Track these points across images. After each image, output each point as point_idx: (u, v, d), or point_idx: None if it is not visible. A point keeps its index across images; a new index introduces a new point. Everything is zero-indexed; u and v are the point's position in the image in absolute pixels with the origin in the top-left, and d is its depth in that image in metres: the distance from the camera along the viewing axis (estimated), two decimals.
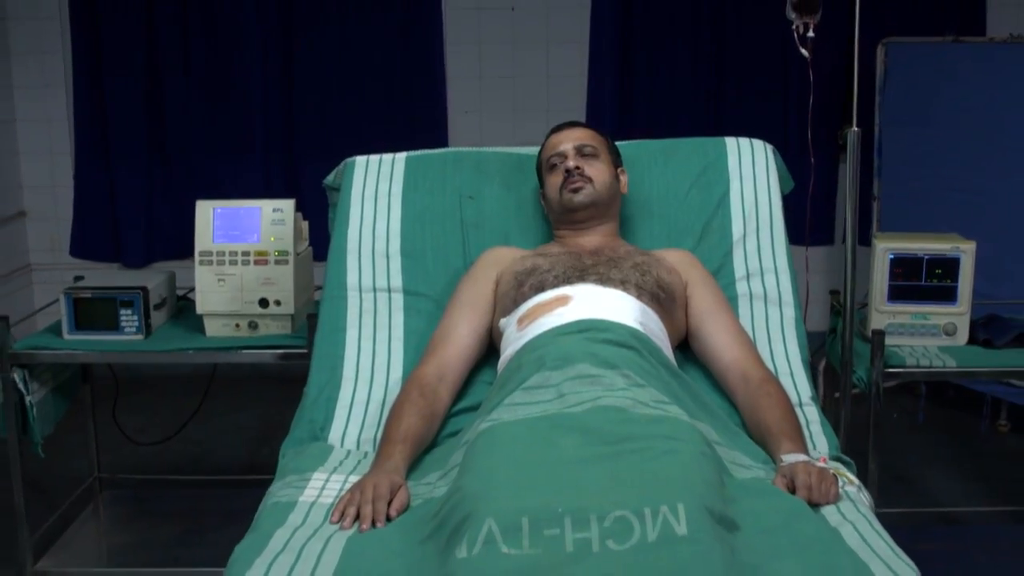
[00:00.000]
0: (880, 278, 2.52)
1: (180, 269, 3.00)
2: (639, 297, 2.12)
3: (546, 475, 1.54)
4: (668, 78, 4.68)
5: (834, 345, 2.59)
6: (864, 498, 1.80)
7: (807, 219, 2.39)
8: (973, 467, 3.73)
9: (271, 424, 4.11)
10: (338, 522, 1.67)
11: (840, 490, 1.76)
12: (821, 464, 1.80)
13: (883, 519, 1.69)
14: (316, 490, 1.83)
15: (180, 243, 4.63)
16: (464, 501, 1.52)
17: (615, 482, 1.51)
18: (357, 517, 1.67)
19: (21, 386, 2.63)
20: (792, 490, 1.71)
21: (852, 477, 1.85)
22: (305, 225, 2.77)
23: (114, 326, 2.66)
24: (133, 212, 4.77)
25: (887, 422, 4.18)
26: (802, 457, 1.81)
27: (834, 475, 1.78)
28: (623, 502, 1.45)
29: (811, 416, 2.13)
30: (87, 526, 3.02)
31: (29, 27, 4.68)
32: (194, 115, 4.67)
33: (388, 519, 1.67)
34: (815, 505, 1.69)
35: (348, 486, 1.81)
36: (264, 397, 4.35)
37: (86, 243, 4.80)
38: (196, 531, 2.99)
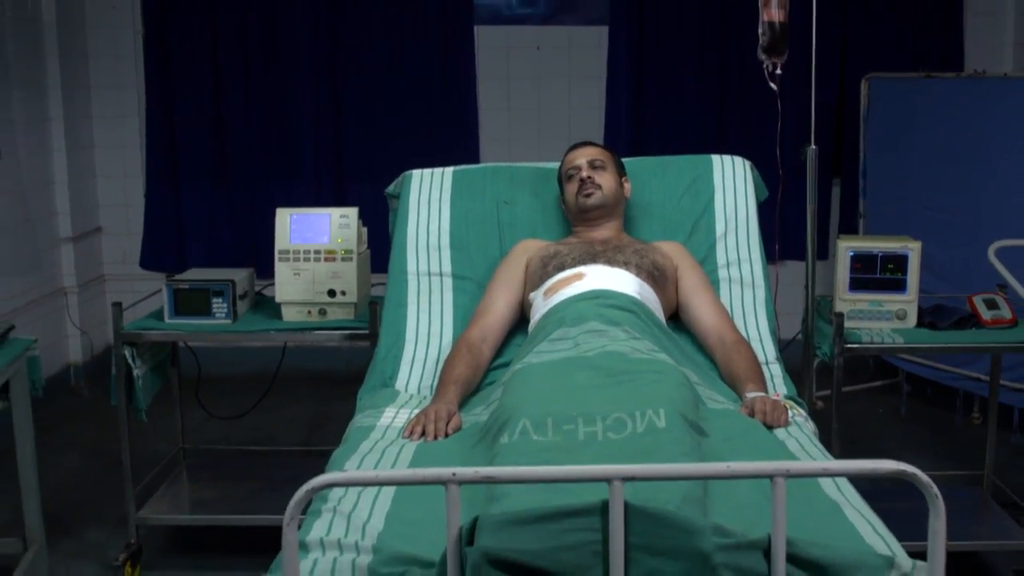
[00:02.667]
0: (842, 272, 2.94)
1: None
2: (638, 275, 2.64)
3: (565, 395, 2.06)
4: (677, 110, 5.10)
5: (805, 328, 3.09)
6: (810, 426, 2.31)
7: (776, 228, 2.87)
8: (944, 450, 4.12)
9: (322, 416, 4.58)
10: (408, 436, 2.20)
11: (791, 419, 2.27)
12: (775, 398, 2.32)
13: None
14: (389, 418, 2.37)
15: (240, 255, 5.02)
16: (504, 411, 2.04)
17: (614, 398, 2.02)
18: (423, 434, 2.20)
19: (130, 361, 3.09)
20: (751, 415, 2.22)
21: (801, 410, 2.35)
22: (364, 230, 3.22)
23: (207, 312, 3.12)
24: (197, 228, 5.22)
25: (873, 417, 4.59)
26: (762, 393, 2.33)
27: (786, 407, 2.29)
28: (620, 408, 1.96)
29: (775, 372, 2.65)
30: (176, 485, 3.50)
31: (107, 63, 5.19)
32: (253, 141, 5.13)
33: (446, 435, 2.19)
34: (769, 427, 2.20)
35: (414, 416, 2.33)
36: (316, 396, 4.80)
37: (155, 256, 5.26)
38: (265, 490, 3.41)
